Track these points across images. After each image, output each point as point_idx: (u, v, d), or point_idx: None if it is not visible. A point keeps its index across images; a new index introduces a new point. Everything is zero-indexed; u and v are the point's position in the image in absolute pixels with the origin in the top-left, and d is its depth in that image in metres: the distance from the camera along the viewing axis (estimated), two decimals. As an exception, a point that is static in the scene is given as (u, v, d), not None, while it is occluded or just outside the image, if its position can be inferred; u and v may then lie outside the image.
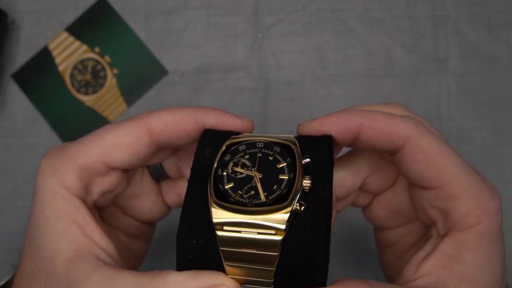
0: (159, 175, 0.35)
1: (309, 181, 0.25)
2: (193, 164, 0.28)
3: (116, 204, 0.35)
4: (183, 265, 0.26)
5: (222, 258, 0.25)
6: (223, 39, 0.48)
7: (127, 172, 0.32)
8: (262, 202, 0.25)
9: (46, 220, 0.28)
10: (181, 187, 0.35)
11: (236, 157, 0.27)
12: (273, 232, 0.24)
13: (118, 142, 0.29)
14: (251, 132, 0.30)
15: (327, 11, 0.49)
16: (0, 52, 0.48)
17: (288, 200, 0.25)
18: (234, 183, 0.26)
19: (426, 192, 0.29)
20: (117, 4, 0.49)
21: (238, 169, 0.26)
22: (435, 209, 0.29)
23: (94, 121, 0.48)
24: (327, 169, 0.27)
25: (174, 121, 0.29)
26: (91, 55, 0.49)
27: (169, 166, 0.35)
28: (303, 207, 0.25)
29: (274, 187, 0.25)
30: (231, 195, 0.26)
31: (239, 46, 0.48)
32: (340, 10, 0.48)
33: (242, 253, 0.25)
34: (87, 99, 0.49)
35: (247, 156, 0.27)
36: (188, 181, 0.28)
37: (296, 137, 0.28)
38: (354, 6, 0.48)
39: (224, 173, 0.26)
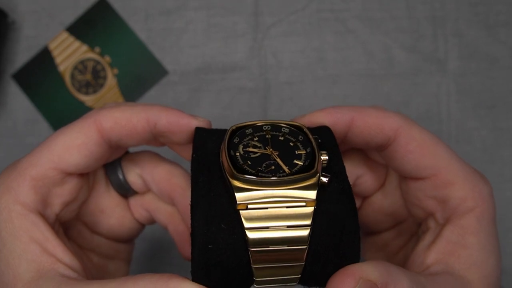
0: (124, 190, 0.33)
1: (326, 157, 0.25)
2: (192, 158, 0.26)
3: (83, 222, 0.32)
4: (201, 256, 0.23)
5: (251, 261, 0.23)
6: (223, 39, 0.49)
7: (87, 177, 0.31)
8: (286, 173, 0.24)
9: (3, 242, 0.26)
10: (150, 203, 0.33)
11: (245, 140, 0.26)
12: (303, 204, 0.23)
13: (68, 145, 0.28)
14: None
15: (327, 12, 0.49)
16: (0, 52, 0.48)
17: (314, 169, 0.24)
18: (250, 162, 0.24)
19: (421, 182, 0.29)
20: (117, 4, 0.49)
21: (251, 149, 0.25)
22: (432, 199, 0.29)
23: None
24: (334, 148, 0.27)
25: (123, 118, 0.28)
26: (91, 55, 0.49)
27: (134, 180, 0.33)
28: (327, 179, 0.24)
29: (294, 161, 0.24)
30: (250, 171, 0.24)
31: (239, 46, 0.48)
32: (340, 11, 0.49)
33: (272, 251, 0.23)
34: (88, 99, 0.49)
35: (256, 138, 0.26)
36: (191, 171, 0.26)
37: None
38: (354, 6, 0.48)
39: (237, 154, 0.25)
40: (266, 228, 0.23)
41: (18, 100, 0.49)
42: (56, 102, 0.48)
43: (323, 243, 0.23)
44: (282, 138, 0.26)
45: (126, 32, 0.49)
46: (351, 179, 0.30)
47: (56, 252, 0.26)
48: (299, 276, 0.24)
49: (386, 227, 0.34)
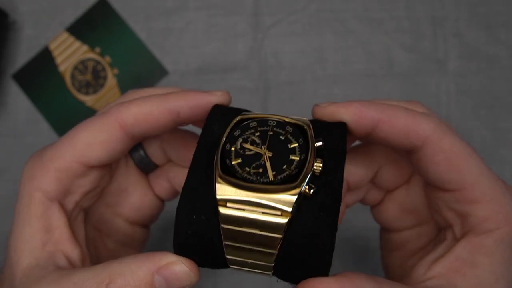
0: (145, 165, 0.34)
1: (321, 164, 0.24)
2: (199, 139, 0.27)
3: (105, 203, 0.33)
4: (180, 239, 0.25)
5: (223, 237, 0.24)
6: (223, 39, 0.49)
7: (109, 166, 0.31)
8: (269, 180, 0.24)
9: (19, 226, 0.28)
10: (171, 173, 0.34)
11: (246, 133, 0.26)
12: (278, 213, 0.23)
13: (91, 142, 0.28)
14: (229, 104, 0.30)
15: (327, 12, 0.49)
16: (1, 52, 0.48)
17: (298, 181, 0.24)
18: (242, 159, 0.25)
19: (444, 193, 0.28)
20: (118, 5, 0.49)
21: (247, 146, 0.25)
22: (452, 211, 0.28)
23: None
24: (340, 155, 0.26)
25: (144, 114, 0.28)
26: (91, 55, 0.49)
27: (154, 152, 0.34)
28: (312, 190, 0.24)
29: (283, 167, 0.24)
30: (238, 171, 0.25)
31: (239, 47, 0.48)
32: (340, 11, 0.49)
33: (244, 233, 0.24)
34: (88, 99, 0.49)
35: (258, 133, 0.26)
36: (193, 155, 0.27)
37: (310, 120, 0.27)
38: (354, 6, 0.49)
39: (233, 149, 0.25)
40: (241, 228, 0.24)
41: (19, 100, 0.49)
42: (57, 102, 0.49)
43: (292, 253, 0.24)
44: (283, 138, 0.26)
45: (126, 32, 0.49)
46: (373, 166, 0.31)
47: (60, 241, 0.28)
48: (272, 265, 0.24)
49: (406, 226, 0.33)
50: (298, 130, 0.26)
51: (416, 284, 0.27)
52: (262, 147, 0.25)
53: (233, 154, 0.25)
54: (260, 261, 0.24)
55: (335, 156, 0.26)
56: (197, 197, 0.25)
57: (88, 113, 0.48)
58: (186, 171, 0.31)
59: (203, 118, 0.29)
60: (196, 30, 0.49)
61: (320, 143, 0.25)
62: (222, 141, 0.26)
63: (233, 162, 0.25)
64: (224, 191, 0.24)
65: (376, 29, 0.48)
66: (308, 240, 0.24)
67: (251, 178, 0.24)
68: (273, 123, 0.26)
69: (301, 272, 0.24)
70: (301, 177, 0.24)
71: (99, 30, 0.49)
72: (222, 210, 0.24)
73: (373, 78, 0.48)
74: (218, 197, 0.24)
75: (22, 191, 0.28)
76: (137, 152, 0.33)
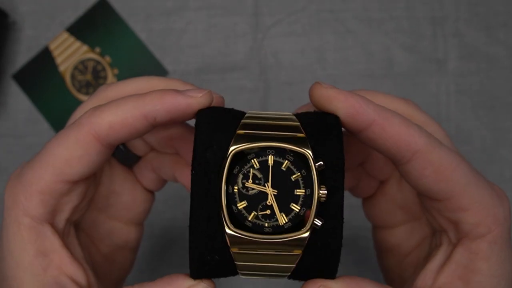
0: (128, 159, 0.33)
1: (325, 192, 0.25)
2: (193, 169, 0.25)
3: (97, 209, 0.32)
4: (195, 267, 0.26)
5: (238, 269, 0.25)
6: (223, 39, 0.49)
7: (93, 176, 0.30)
8: (279, 225, 0.24)
9: (12, 255, 0.26)
10: (156, 162, 0.33)
11: (245, 167, 0.25)
12: (291, 251, 0.25)
13: (68, 158, 0.27)
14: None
15: (327, 12, 0.49)
16: (1, 52, 0.48)
17: (308, 226, 0.24)
18: (247, 201, 0.24)
19: (434, 202, 0.28)
20: (118, 5, 0.49)
21: (250, 184, 0.24)
22: (444, 218, 0.28)
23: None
24: (340, 173, 0.26)
25: (118, 121, 0.26)
26: (91, 55, 0.49)
27: (134, 143, 0.33)
28: (321, 223, 0.25)
29: (290, 205, 0.24)
30: (246, 216, 0.24)
31: (239, 47, 0.49)
32: (340, 11, 0.49)
33: (259, 266, 0.25)
34: (88, 99, 0.49)
35: (257, 166, 0.25)
36: (191, 191, 0.25)
37: (296, 114, 0.27)
38: (354, 6, 0.49)
39: (235, 190, 0.24)
40: (255, 263, 0.25)
41: (19, 100, 0.49)
42: (57, 102, 0.49)
43: (305, 267, 0.26)
44: (284, 169, 0.25)
45: (126, 32, 0.49)
46: (358, 159, 0.31)
47: (62, 265, 0.27)
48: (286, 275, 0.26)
49: (398, 222, 0.33)
50: (298, 157, 0.25)
51: None
52: (266, 184, 0.24)
53: (237, 196, 0.24)
54: (273, 275, 0.26)
55: (336, 174, 0.25)
56: (210, 242, 0.25)
57: (88, 113, 0.48)
58: (170, 157, 0.32)
59: (184, 120, 0.28)
60: (196, 30, 0.49)
61: (321, 163, 0.25)
62: (222, 185, 0.24)
63: (239, 207, 0.24)
64: (236, 242, 0.24)
65: (376, 29, 0.48)
66: (319, 263, 0.25)
67: (261, 223, 0.24)
68: (272, 151, 0.25)
69: (311, 276, 0.26)
70: (311, 219, 0.24)
71: (99, 30, 0.49)
72: (235, 250, 0.24)
73: (373, 78, 0.48)
74: (230, 246, 0.24)
75: (7, 218, 0.27)
76: (117, 148, 0.32)
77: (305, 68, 0.48)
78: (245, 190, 0.24)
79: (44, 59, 0.49)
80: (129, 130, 0.27)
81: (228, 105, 0.49)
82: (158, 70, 0.49)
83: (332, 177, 0.25)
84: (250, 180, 0.24)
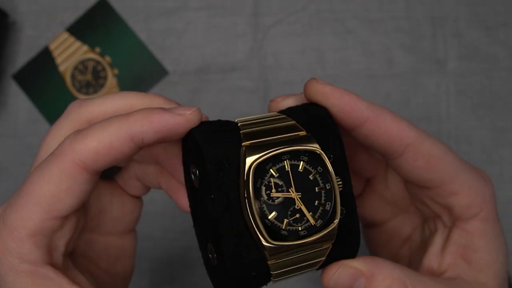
0: (110, 173, 0.32)
1: (341, 182, 0.26)
2: (210, 185, 0.24)
3: (89, 230, 0.31)
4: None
5: (272, 277, 0.25)
6: (223, 39, 0.49)
7: (83, 206, 0.29)
8: (312, 225, 0.25)
9: None
10: (138, 171, 0.32)
11: (266, 178, 0.24)
12: (322, 247, 0.26)
13: (55, 193, 0.25)
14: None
15: (327, 12, 0.49)
16: (1, 52, 0.48)
17: (338, 218, 0.25)
18: (276, 211, 0.24)
19: (427, 190, 0.29)
20: (118, 5, 0.49)
21: (275, 194, 0.24)
22: (438, 204, 0.29)
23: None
24: (345, 163, 0.27)
25: (104, 146, 0.25)
26: (91, 55, 0.49)
27: None
28: (344, 212, 0.26)
29: (315, 204, 0.25)
30: (280, 226, 0.24)
31: (239, 47, 0.49)
32: (340, 11, 0.49)
33: (292, 269, 0.25)
34: (88, 99, 0.49)
35: (277, 174, 0.24)
36: (213, 217, 0.24)
37: (284, 112, 0.27)
38: (354, 7, 0.49)
39: (263, 204, 0.24)
40: (291, 269, 0.25)
41: (19, 100, 0.49)
42: (57, 102, 0.49)
43: (334, 255, 0.27)
44: (301, 170, 0.25)
45: (126, 32, 0.49)
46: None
47: None
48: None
49: (388, 216, 0.34)
50: (312, 158, 0.25)
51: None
52: (289, 190, 0.25)
53: (265, 208, 0.24)
54: (304, 272, 0.26)
55: (341, 165, 0.27)
56: (241, 259, 0.24)
57: (88, 113, 0.49)
58: (153, 167, 0.31)
59: (172, 140, 0.26)
60: (196, 30, 0.49)
61: (331, 156, 0.26)
62: (253, 203, 0.24)
63: (271, 218, 0.24)
64: (274, 253, 0.24)
65: (376, 29, 0.48)
66: (345, 238, 0.26)
67: (295, 228, 0.24)
68: (287, 156, 0.25)
69: (336, 258, 0.27)
70: (337, 212, 0.25)
71: (99, 30, 0.49)
72: (273, 262, 0.24)
73: (373, 78, 0.48)
74: (268, 259, 0.24)
75: (2, 268, 0.25)
76: None
77: (305, 68, 0.48)
78: (271, 200, 0.24)
79: (44, 59, 0.49)
80: (116, 154, 0.25)
81: (228, 105, 0.49)
82: (158, 70, 0.49)
83: (340, 168, 0.26)
84: (274, 190, 0.24)
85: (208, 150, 0.24)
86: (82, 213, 0.28)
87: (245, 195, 0.24)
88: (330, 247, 0.26)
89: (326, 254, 0.26)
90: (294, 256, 0.25)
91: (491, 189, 0.29)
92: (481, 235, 0.28)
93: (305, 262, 0.25)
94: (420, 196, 0.30)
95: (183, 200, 0.31)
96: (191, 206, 0.29)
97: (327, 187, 0.25)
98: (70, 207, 0.25)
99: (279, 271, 0.25)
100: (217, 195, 0.24)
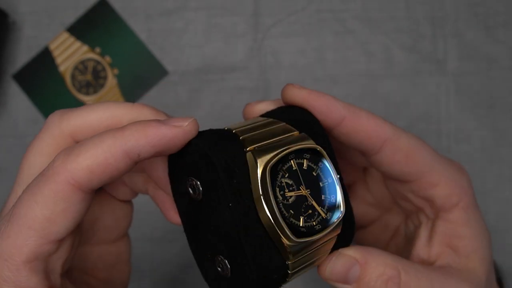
0: None
1: (339, 176, 0.27)
2: (226, 193, 0.24)
3: (83, 242, 0.30)
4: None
5: (287, 279, 0.26)
6: (223, 39, 0.49)
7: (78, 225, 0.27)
8: (324, 218, 0.26)
9: None
10: (125, 178, 0.31)
11: (278, 179, 0.25)
12: (330, 238, 0.27)
13: (49, 216, 0.23)
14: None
15: (327, 12, 0.49)
16: (1, 52, 0.48)
17: (342, 209, 0.26)
18: (292, 210, 0.25)
19: (408, 184, 0.30)
20: (118, 5, 0.49)
21: (289, 193, 0.25)
22: (419, 197, 0.31)
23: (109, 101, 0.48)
24: (335, 157, 0.28)
25: (99, 164, 0.23)
26: (91, 55, 0.49)
27: None
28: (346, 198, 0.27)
29: (322, 198, 0.26)
30: (298, 224, 0.25)
31: (239, 47, 0.49)
32: (340, 11, 0.49)
33: (306, 265, 0.26)
34: (88, 99, 0.49)
35: (287, 174, 0.25)
36: (231, 217, 0.24)
37: (267, 116, 0.28)
38: (354, 7, 0.49)
39: (280, 204, 0.24)
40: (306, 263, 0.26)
41: (19, 100, 0.49)
42: (57, 102, 0.49)
43: (335, 249, 0.28)
44: (305, 168, 0.26)
45: (126, 32, 0.49)
46: None
47: None
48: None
49: (372, 218, 0.35)
50: (313, 155, 0.26)
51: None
52: (300, 187, 0.25)
53: (283, 209, 0.24)
54: (315, 266, 0.27)
55: (332, 156, 0.28)
56: (266, 262, 0.24)
57: (88, 113, 0.49)
58: (140, 175, 0.31)
59: (169, 153, 0.25)
60: (196, 30, 0.49)
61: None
62: (274, 205, 0.24)
63: (290, 218, 0.25)
64: (296, 251, 0.24)
65: (375, 29, 0.48)
66: (345, 227, 0.27)
67: (311, 224, 0.25)
68: (292, 155, 0.25)
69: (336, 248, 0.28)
70: (342, 204, 0.26)
71: (99, 30, 0.49)
72: (292, 261, 0.25)
73: (372, 78, 0.48)
74: (291, 258, 0.24)
75: None
76: None
77: (305, 68, 0.48)
78: (285, 200, 0.25)
79: (44, 59, 0.49)
80: (112, 171, 0.24)
81: (228, 104, 0.49)
82: (158, 70, 0.49)
83: (333, 162, 0.27)
84: (286, 190, 0.25)
85: (219, 158, 0.24)
86: (77, 231, 0.27)
87: (263, 198, 0.24)
88: (336, 238, 0.26)
89: (333, 245, 0.27)
90: (309, 252, 0.25)
91: (467, 179, 0.31)
92: (464, 223, 0.30)
93: (317, 256, 0.26)
94: (401, 191, 0.31)
95: (171, 212, 0.30)
96: (185, 222, 0.28)
97: (329, 181, 0.26)
98: (66, 229, 0.24)
99: (295, 270, 0.25)
100: (235, 202, 0.24)
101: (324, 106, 0.28)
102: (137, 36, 0.49)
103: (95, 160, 0.23)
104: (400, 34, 0.48)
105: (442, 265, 0.29)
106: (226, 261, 0.25)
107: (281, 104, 0.30)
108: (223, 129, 0.26)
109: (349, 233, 0.28)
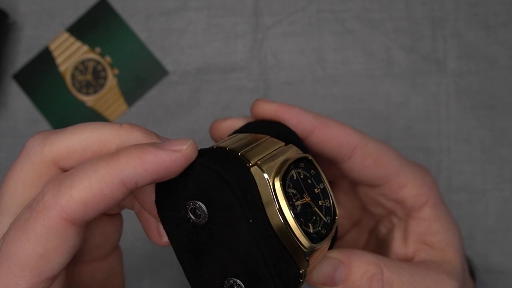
0: None
1: (327, 182, 0.28)
2: (244, 211, 0.23)
3: (76, 263, 0.29)
4: None
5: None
6: (223, 39, 0.49)
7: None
8: (326, 223, 0.27)
9: None
10: None
11: (286, 190, 0.25)
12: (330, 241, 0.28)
13: (43, 254, 0.22)
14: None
15: (327, 12, 0.49)
16: (1, 52, 0.48)
17: (337, 212, 0.27)
18: (302, 218, 0.25)
19: (378, 189, 0.32)
20: (118, 5, 0.49)
21: (297, 202, 0.25)
22: (390, 200, 0.32)
23: (95, 121, 0.48)
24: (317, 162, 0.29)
25: (93, 196, 0.22)
26: (92, 55, 0.49)
27: None
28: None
29: (320, 203, 0.27)
30: (308, 231, 0.25)
31: (239, 47, 0.49)
32: (340, 11, 0.49)
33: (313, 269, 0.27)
34: (88, 99, 0.49)
35: (291, 184, 0.25)
36: (252, 235, 0.23)
37: (244, 131, 0.28)
38: (354, 7, 0.49)
39: (294, 215, 0.24)
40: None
41: (19, 100, 0.49)
42: (57, 102, 0.49)
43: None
44: (302, 176, 0.26)
45: (127, 32, 0.49)
46: None
47: None
48: None
49: (346, 230, 0.37)
50: (307, 164, 0.27)
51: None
52: (303, 196, 0.26)
53: (296, 218, 0.24)
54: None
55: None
56: (285, 274, 0.24)
57: (89, 113, 0.49)
58: None
59: (167, 179, 0.23)
60: (196, 30, 0.49)
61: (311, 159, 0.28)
62: (289, 217, 0.24)
63: (302, 226, 0.25)
64: (310, 264, 0.25)
65: (375, 29, 0.48)
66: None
67: (318, 229, 0.26)
68: (292, 166, 0.25)
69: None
70: (336, 207, 0.27)
71: (100, 31, 0.49)
72: (306, 269, 0.25)
73: (372, 78, 0.48)
74: (309, 265, 0.25)
75: None
76: None
77: (305, 68, 0.48)
78: (295, 209, 0.24)
79: (44, 59, 0.49)
80: (108, 202, 0.22)
81: (228, 104, 0.49)
82: (158, 70, 0.49)
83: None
84: (294, 199, 0.25)
85: (231, 177, 0.23)
86: (72, 263, 0.26)
87: (280, 209, 0.23)
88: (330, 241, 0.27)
89: (329, 246, 0.28)
90: (316, 257, 0.26)
91: (432, 178, 0.33)
92: (435, 220, 0.31)
93: (319, 261, 0.27)
94: (373, 196, 0.33)
95: (154, 233, 0.29)
96: (182, 251, 0.26)
97: (321, 187, 0.27)
98: (60, 265, 0.23)
99: (306, 277, 0.26)
100: (254, 219, 0.23)
101: (295, 118, 0.30)
102: (137, 36, 0.49)
103: (90, 191, 0.22)
104: (400, 34, 0.48)
105: (420, 260, 0.31)
106: (240, 282, 0.24)
107: (248, 120, 0.31)
108: (213, 148, 0.25)
109: (334, 236, 0.28)
